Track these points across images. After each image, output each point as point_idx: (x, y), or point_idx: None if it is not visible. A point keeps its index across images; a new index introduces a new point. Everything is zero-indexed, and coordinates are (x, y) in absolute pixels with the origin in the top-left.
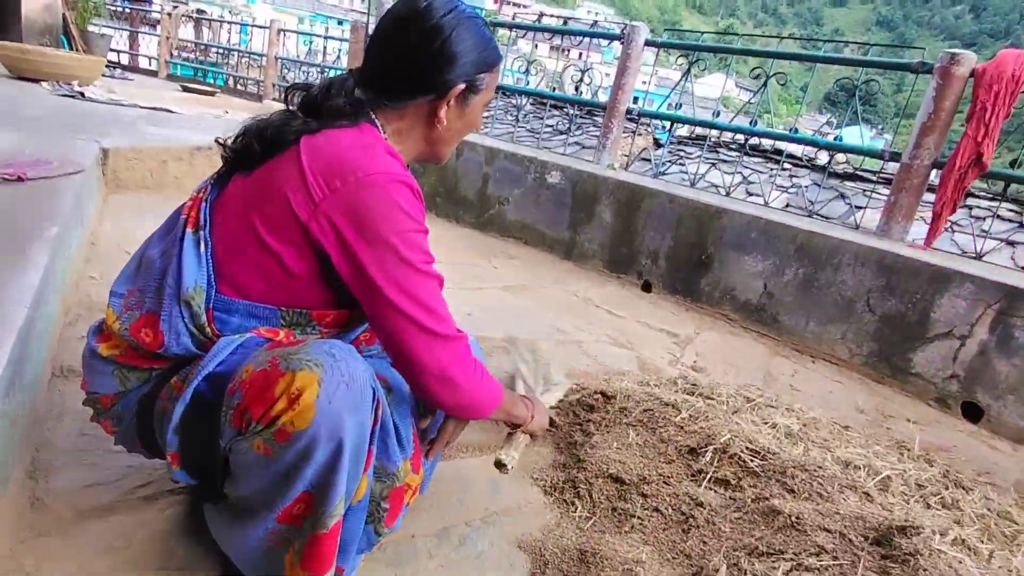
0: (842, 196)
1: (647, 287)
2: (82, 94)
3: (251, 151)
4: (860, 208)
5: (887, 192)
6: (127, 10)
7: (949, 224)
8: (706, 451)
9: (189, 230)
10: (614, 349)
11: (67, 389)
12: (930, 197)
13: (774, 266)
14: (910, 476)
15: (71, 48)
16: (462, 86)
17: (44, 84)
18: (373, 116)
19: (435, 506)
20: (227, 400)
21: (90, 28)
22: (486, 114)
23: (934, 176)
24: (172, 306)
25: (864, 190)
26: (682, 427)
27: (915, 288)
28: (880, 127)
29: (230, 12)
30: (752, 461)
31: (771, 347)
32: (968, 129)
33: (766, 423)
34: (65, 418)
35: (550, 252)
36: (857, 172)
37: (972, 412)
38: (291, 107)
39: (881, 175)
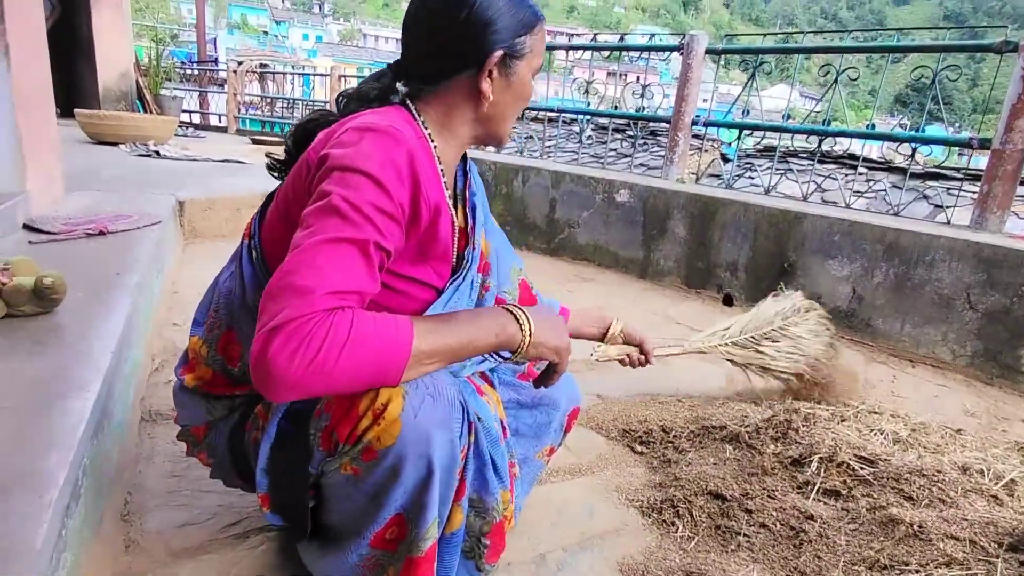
0: (925, 197)
1: (728, 300)
2: (157, 152)
3: (289, 155)
4: (947, 207)
5: (974, 190)
6: (196, 72)
7: None
8: (811, 461)
9: (245, 242)
10: (701, 365)
11: (156, 433)
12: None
13: (862, 268)
14: None
15: (145, 112)
16: (499, 53)
17: (122, 146)
18: (409, 103)
19: (528, 532)
20: (315, 423)
21: (162, 92)
22: (549, 141)
23: None
24: (243, 316)
25: (948, 188)
26: (781, 438)
27: (1020, 281)
28: (957, 125)
29: (292, 67)
30: (862, 469)
31: (866, 353)
32: None
33: (871, 430)
34: (155, 460)
35: (625, 272)
36: (939, 170)
37: None
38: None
39: (966, 171)
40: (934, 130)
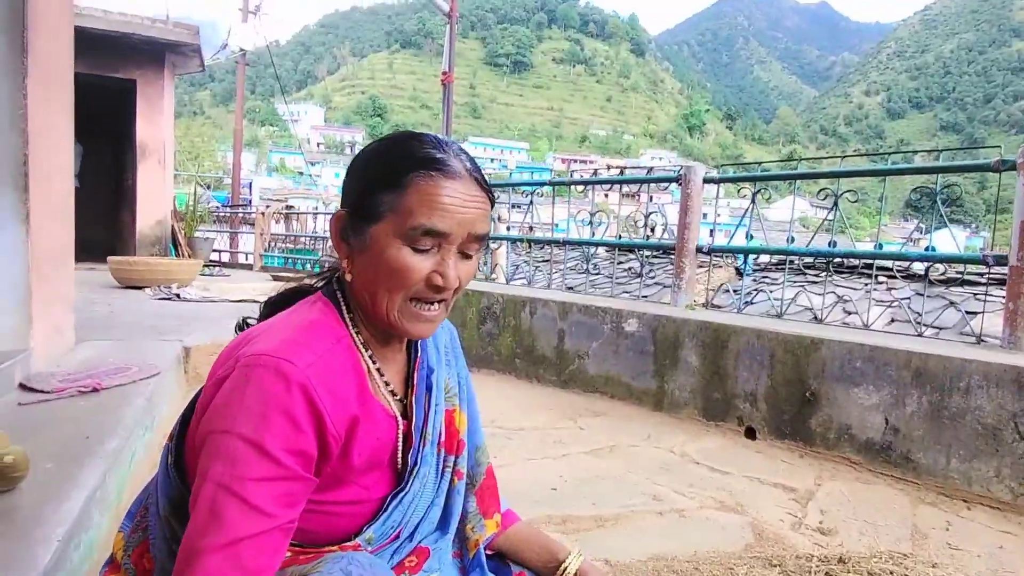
0: (951, 304)
1: (750, 433)
2: (178, 295)
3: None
4: (975, 314)
5: (1001, 294)
6: (228, 214)
7: None
8: None
9: (167, 444)
10: (723, 516)
11: None
12: None
13: (892, 396)
14: None
15: (177, 254)
16: (341, 212)
17: (147, 290)
18: (335, 286)
19: None
20: None
21: (196, 234)
22: (558, 265)
23: None
24: (156, 526)
25: (975, 294)
26: None
27: None
28: (974, 226)
29: (323, 202)
30: None
31: (911, 494)
32: None
33: None
34: None
35: (638, 405)
36: (962, 277)
37: None
38: None
39: (991, 276)
40: (946, 234)
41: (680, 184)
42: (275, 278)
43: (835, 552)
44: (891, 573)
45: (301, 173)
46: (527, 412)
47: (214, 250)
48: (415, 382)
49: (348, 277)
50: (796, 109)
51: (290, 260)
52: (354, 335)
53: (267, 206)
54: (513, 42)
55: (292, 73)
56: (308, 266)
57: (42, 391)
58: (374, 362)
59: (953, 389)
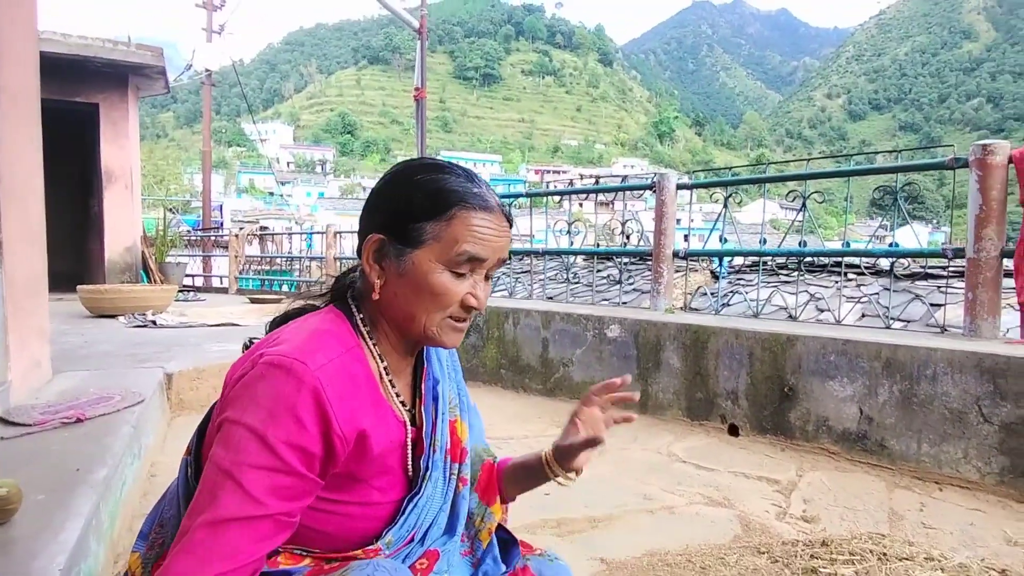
0: (917, 297)
1: (733, 430)
2: (154, 322)
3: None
4: (938, 306)
5: (962, 285)
6: (200, 237)
7: None
8: None
9: (185, 458)
10: (711, 510)
11: None
12: (1009, 282)
13: (865, 387)
14: None
15: (149, 280)
16: (377, 237)
17: (121, 318)
18: (350, 299)
19: None
20: None
21: (167, 259)
22: (539, 275)
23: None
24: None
25: (939, 287)
26: None
27: None
28: (935, 221)
29: (295, 222)
30: None
31: (887, 479)
32: None
33: None
34: None
35: (624, 408)
36: (925, 271)
37: None
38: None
39: (952, 269)
40: (907, 232)
41: (654, 191)
42: (252, 300)
43: (818, 537)
44: (871, 552)
45: (272, 193)
46: (515, 422)
47: (187, 275)
48: (423, 392)
49: (376, 296)
50: (762, 113)
51: (266, 282)
52: (370, 346)
53: (240, 228)
54: (481, 55)
55: (258, 92)
56: (285, 287)
57: (23, 424)
58: (387, 372)
59: (921, 377)
